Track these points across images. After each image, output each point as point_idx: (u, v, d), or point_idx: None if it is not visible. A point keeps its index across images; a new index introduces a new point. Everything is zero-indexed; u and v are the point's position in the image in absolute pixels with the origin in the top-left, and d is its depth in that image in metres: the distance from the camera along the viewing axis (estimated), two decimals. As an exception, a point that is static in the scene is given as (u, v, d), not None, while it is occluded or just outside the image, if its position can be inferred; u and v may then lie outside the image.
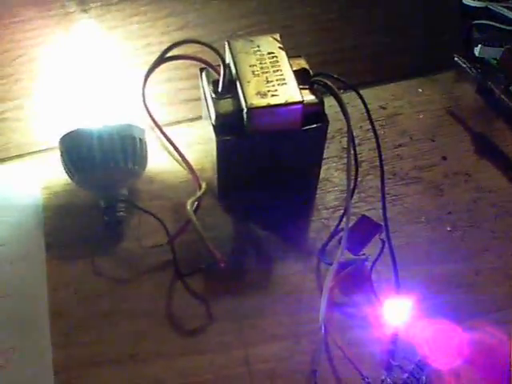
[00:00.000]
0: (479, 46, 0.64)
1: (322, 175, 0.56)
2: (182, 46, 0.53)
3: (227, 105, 0.50)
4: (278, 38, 0.52)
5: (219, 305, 0.50)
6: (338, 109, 0.49)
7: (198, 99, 0.56)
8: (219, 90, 0.51)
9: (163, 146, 0.59)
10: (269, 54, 0.51)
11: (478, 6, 0.67)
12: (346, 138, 0.59)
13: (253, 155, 0.51)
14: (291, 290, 0.51)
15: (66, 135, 0.52)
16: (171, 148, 0.58)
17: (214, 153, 0.51)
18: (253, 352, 0.47)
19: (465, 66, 0.64)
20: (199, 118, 0.60)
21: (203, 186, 0.55)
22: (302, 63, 0.52)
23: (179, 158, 0.58)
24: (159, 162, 0.58)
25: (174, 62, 0.55)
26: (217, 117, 0.49)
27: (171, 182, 0.57)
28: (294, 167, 0.54)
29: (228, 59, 0.52)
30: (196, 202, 0.53)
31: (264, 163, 0.53)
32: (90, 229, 0.54)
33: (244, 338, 0.48)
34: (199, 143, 0.59)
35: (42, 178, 0.57)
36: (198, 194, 0.54)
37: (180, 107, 0.62)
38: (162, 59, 0.54)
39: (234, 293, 0.50)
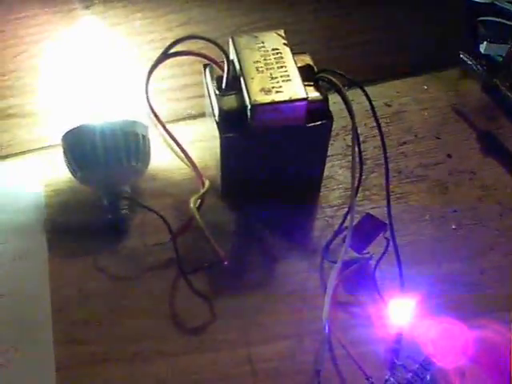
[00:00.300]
0: (485, 42, 0.64)
1: (326, 173, 0.56)
2: (186, 42, 0.53)
3: (231, 101, 0.49)
4: (283, 34, 0.52)
5: (222, 303, 0.49)
6: (343, 106, 0.49)
7: (202, 96, 0.56)
8: (223, 86, 0.50)
9: (166, 142, 0.59)
10: (273, 50, 0.51)
11: (483, 2, 0.67)
12: (350, 136, 0.58)
13: (256, 152, 0.51)
14: (294, 289, 0.50)
15: (68, 132, 0.52)
16: (174, 145, 0.58)
17: (218, 150, 0.51)
18: (256, 351, 0.47)
19: (470, 63, 0.64)
20: (202, 114, 0.59)
21: (206, 183, 0.54)
22: (306, 59, 0.52)
23: (182, 156, 0.57)
24: (162, 159, 0.58)
25: (177, 58, 0.54)
26: (220, 113, 0.49)
27: (174, 179, 0.57)
28: (298, 165, 0.53)
29: (232, 55, 0.51)
30: (199, 200, 0.52)
31: (268, 161, 0.52)
32: (93, 226, 0.53)
33: (247, 337, 0.48)
34: (202, 140, 0.59)
35: (44, 175, 0.57)
36: (202, 191, 0.53)
37: (183, 104, 0.62)
38: (165, 55, 0.54)
39: (237, 291, 0.50)
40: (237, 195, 0.55)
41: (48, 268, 0.51)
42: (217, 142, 0.50)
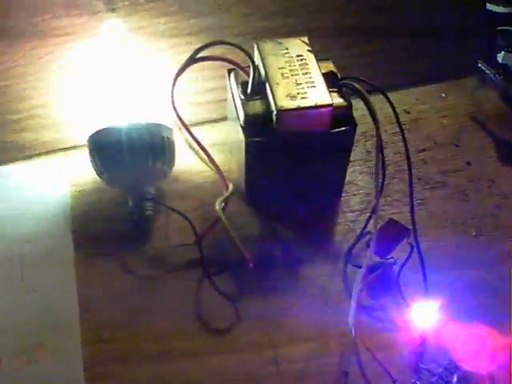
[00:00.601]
0: (502, 52, 0.65)
1: (347, 178, 0.56)
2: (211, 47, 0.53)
3: (256, 106, 0.50)
4: (307, 41, 0.53)
5: (247, 305, 0.50)
6: (363, 112, 0.50)
7: (223, 100, 0.56)
8: (248, 91, 0.51)
9: (190, 145, 0.60)
10: (297, 56, 0.51)
11: (502, 12, 0.67)
12: (370, 142, 0.60)
13: (280, 157, 0.52)
14: (318, 292, 0.51)
15: (95, 133, 0.53)
16: (198, 148, 0.58)
17: (242, 154, 0.51)
18: (281, 352, 0.48)
19: (488, 71, 0.64)
20: (224, 118, 0.60)
21: (230, 186, 0.55)
22: (329, 66, 0.53)
23: (206, 158, 0.58)
24: (186, 162, 0.58)
25: (201, 63, 0.55)
26: (246, 118, 0.50)
27: (197, 181, 0.58)
28: (321, 169, 0.54)
29: (256, 61, 0.52)
30: (223, 203, 0.53)
31: (291, 165, 0.53)
32: (118, 227, 0.54)
33: (272, 338, 0.48)
34: (226, 144, 0.59)
35: (70, 175, 0.57)
36: (226, 194, 0.54)
37: (207, 107, 0.63)
38: (192, 59, 0.54)
39: (261, 293, 0.51)
40: (260, 199, 0.55)
41: (74, 267, 0.52)
42: (241, 146, 0.51)
